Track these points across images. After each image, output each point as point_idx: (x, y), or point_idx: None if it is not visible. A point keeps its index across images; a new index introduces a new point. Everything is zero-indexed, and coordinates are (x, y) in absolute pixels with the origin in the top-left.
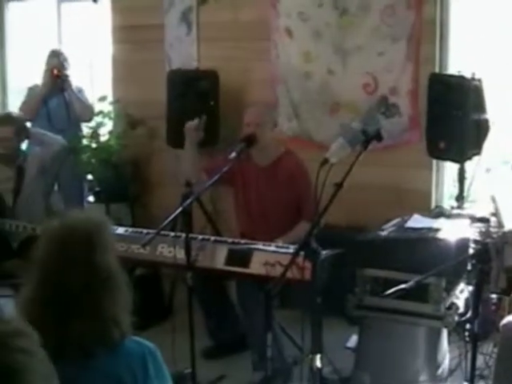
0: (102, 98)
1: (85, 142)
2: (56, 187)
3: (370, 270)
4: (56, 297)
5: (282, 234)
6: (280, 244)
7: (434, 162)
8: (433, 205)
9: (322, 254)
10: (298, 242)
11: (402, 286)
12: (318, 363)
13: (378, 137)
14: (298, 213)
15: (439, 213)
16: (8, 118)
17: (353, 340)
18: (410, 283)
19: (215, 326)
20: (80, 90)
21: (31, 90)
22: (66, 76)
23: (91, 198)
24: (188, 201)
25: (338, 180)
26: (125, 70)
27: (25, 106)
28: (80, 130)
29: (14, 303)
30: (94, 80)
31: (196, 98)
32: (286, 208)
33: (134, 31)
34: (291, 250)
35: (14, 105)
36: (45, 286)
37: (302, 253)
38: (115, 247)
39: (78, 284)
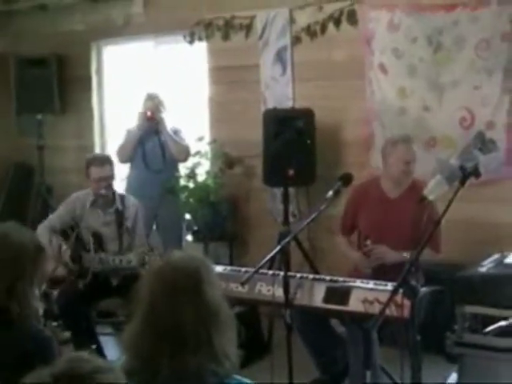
0: (200, 139)
1: (182, 182)
2: (154, 227)
3: (470, 306)
4: (169, 332)
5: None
6: (378, 282)
7: None
8: None
9: (421, 290)
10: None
11: (503, 322)
12: None
13: (475, 173)
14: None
15: None
16: (104, 158)
17: (452, 377)
18: (511, 320)
19: (325, 361)
20: (176, 131)
21: (129, 132)
22: (161, 118)
23: (189, 238)
24: (286, 240)
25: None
26: (221, 111)
27: (121, 149)
28: (177, 170)
29: (117, 340)
30: (192, 121)
31: (292, 136)
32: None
33: (230, 72)
34: (389, 288)
35: (113, 148)
36: (154, 321)
37: (400, 290)
38: (219, 283)
39: (190, 319)
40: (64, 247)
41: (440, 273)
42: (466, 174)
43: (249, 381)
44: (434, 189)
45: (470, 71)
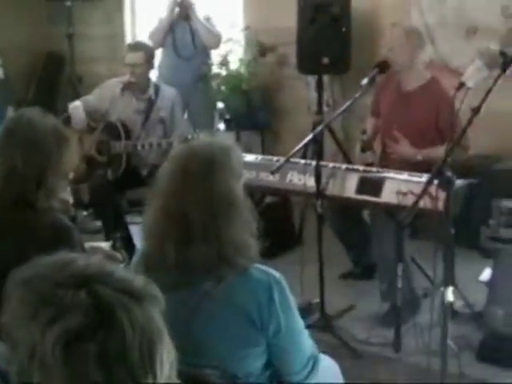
0: (232, 25)
1: (215, 69)
2: (186, 115)
3: (507, 200)
4: (176, 217)
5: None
6: (412, 173)
7: None
8: None
9: (457, 183)
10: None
11: None
12: (450, 297)
13: None
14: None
15: None
16: (138, 44)
17: (486, 273)
18: None
19: (357, 254)
20: (208, 18)
21: (161, 20)
22: (190, 4)
23: (221, 126)
24: (318, 128)
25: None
26: None
27: (151, 35)
28: (208, 57)
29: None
30: (225, 7)
31: (327, 23)
32: (426, 132)
33: None
34: (424, 179)
35: (144, 36)
36: (165, 207)
37: (435, 182)
38: (241, 173)
39: (197, 206)
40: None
41: (476, 166)
42: (507, 60)
43: (272, 270)
44: (473, 75)
45: None
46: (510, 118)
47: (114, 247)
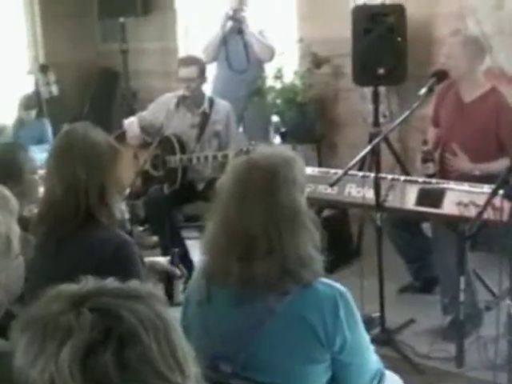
0: (287, 38)
1: (269, 82)
2: (241, 129)
3: None
4: (239, 233)
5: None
6: (474, 183)
7: None
8: None
9: None
10: (495, 175)
11: None
12: None
13: None
14: (499, 150)
15: None
16: (190, 59)
17: None
18: None
19: (418, 267)
20: (261, 32)
21: (214, 34)
22: (243, 17)
23: (277, 139)
24: (376, 140)
25: None
26: (308, 8)
27: (205, 49)
28: (262, 70)
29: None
30: (279, 20)
31: (382, 33)
32: (486, 143)
33: None
34: (486, 190)
35: (197, 51)
36: (227, 223)
37: (500, 192)
38: (304, 185)
39: (260, 220)
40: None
41: None
42: None
43: (337, 284)
44: None
45: None
46: None
47: (172, 262)
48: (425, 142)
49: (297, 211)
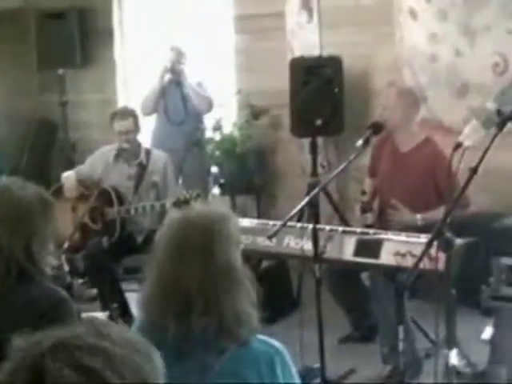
0: (225, 89)
1: (208, 134)
2: (180, 180)
3: (507, 258)
4: (176, 292)
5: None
6: (411, 234)
7: None
8: None
9: (456, 242)
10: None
11: None
12: (454, 359)
13: None
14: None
15: None
16: (127, 111)
17: (488, 332)
18: None
19: (357, 317)
20: (199, 83)
21: (153, 87)
22: (181, 70)
23: (216, 191)
24: (314, 191)
25: (472, 164)
26: (247, 60)
27: (143, 101)
28: (201, 122)
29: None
30: (217, 71)
31: (320, 85)
32: (424, 193)
33: (255, 20)
34: (422, 240)
35: (137, 102)
36: (163, 280)
37: (435, 243)
38: (239, 241)
39: (197, 279)
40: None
41: (474, 223)
42: (504, 119)
43: (274, 341)
44: (470, 134)
45: (502, 15)
46: (508, 176)
47: (111, 317)
48: (363, 192)
49: (232, 268)
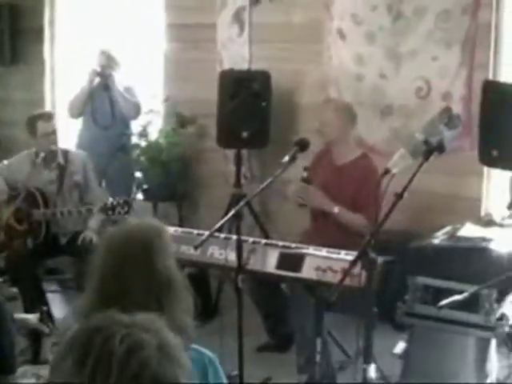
0: (153, 96)
1: (134, 139)
2: (104, 184)
3: (422, 277)
4: (117, 303)
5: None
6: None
7: (485, 169)
8: (482, 213)
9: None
10: (349, 222)
11: (457, 296)
12: (372, 373)
13: (440, 148)
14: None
15: (489, 221)
16: (49, 114)
17: (400, 346)
18: (465, 294)
19: (274, 324)
20: (128, 88)
21: (81, 89)
22: (110, 74)
23: (139, 196)
24: (241, 204)
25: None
26: (176, 69)
27: (71, 103)
28: (127, 127)
29: (64, 298)
30: (146, 78)
31: (248, 98)
32: (353, 204)
33: (187, 30)
34: (343, 256)
35: (63, 102)
36: (104, 293)
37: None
38: (172, 252)
39: (139, 290)
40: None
41: (391, 243)
42: (430, 149)
43: (206, 350)
44: (398, 162)
45: (428, 42)
46: (424, 197)
47: (41, 320)
48: (305, 168)
49: (172, 279)
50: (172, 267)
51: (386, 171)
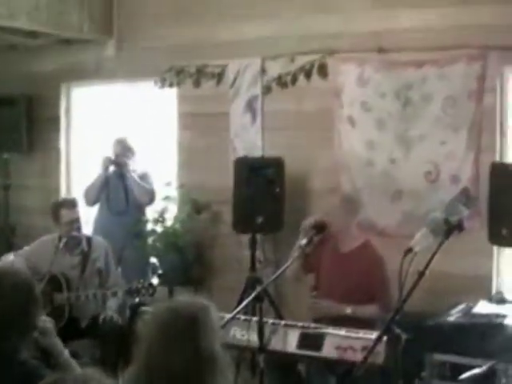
0: (168, 184)
1: (150, 225)
2: (119, 269)
3: (439, 354)
4: (162, 377)
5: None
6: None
7: (495, 248)
8: (493, 291)
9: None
10: (365, 318)
11: (477, 370)
12: None
13: (459, 227)
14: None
15: (501, 299)
16: (73, 201)
17: None
18: (484, 368)
19: None
20: (144, 175)
21: (96, 177)
22: (125, 162)
23: (155, 281)
24: (262, 286)
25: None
26: (189, 156)
27: (86, 191)
28: (143, 213)
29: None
30: (161, 166)
31: (262, 184)
32: (355, 292)
33: (199, 118)
34: (361, 335)
35: (78, 190)
36: (150, 364)
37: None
38: (219, 330)
39: (183, 365)
40: None
41: (404, 321)
42: (450, 228)
43: None
44: (420, 241)
45: (436, 127)
46: (439, 277)
47: None
48: (314, 288)
49: (216, 356)
50: (216, 346)
51: (409, 250)
